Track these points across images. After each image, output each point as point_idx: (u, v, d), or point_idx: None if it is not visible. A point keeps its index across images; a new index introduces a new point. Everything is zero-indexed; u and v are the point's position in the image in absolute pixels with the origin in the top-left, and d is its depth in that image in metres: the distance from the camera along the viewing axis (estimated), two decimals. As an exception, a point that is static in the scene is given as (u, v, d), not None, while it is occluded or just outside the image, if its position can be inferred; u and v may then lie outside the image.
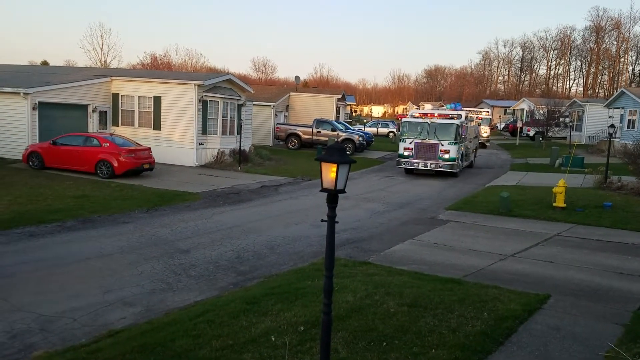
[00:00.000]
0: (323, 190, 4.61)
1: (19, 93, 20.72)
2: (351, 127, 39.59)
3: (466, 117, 25.07)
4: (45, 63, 57.04)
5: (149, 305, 7.78)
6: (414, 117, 24.44)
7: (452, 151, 23.10)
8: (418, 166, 23.50)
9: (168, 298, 8.09)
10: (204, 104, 23.71)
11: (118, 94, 24.73)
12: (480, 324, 7.03)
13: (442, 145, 23.06)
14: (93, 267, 9.42)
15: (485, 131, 41.20)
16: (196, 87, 23.24)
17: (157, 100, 24.01)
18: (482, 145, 39.21)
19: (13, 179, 17.32)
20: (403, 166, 24.01)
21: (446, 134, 23.17)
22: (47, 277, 8.77)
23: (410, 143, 23.52)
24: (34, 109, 20.94)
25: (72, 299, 7.80)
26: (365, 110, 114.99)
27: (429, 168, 23.47)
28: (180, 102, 23.66)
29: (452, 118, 23.64)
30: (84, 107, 23.67)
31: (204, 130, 24.01)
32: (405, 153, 23.66)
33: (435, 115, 23.99)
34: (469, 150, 26.99)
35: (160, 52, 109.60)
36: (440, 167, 23.26)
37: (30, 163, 19.53)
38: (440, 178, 24.20)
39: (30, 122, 20.92)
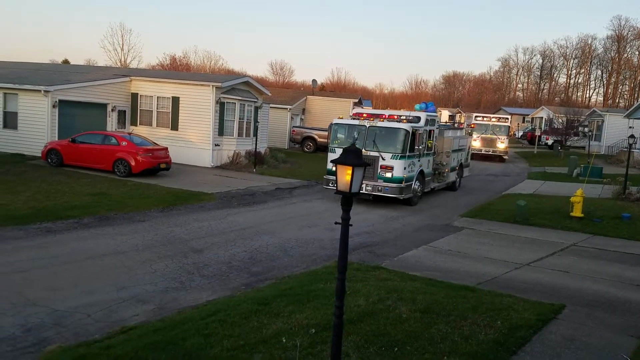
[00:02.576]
0: (338, 192, 4.61)
1: (39, 91, 21.04)
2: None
3: (432, 121, 18.62)
4: (66, 62, 57.86)
5: (162, 303, 7.83)
6: (353, 117, 18.38)
7: (397, 168, 16.40)
8: None
9: (181, 297, 8.13)
10: (221, 106, 23.85)
11: (137, 93, 24.98)
12: (493, 333, 6.96)
13: (383, 159, 16.44)
14: (108, 264, 9.51)
15: (501, 141, 36.08)
16: (214, 88, 23.39)
17: (175, 100, 24.21)
18: (500, 159, 35.86)
19: (32, 175, 17.57)
20: (332, 186, 16.72)
21: (390, 143, 16.70)
22: (63, 273, 8.87)
23: None
24: (54, 106, 21.24)
25: (86, 295, 7.87)
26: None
27: (364, 191, 16.57)
28: (198, 103, 23.83)
29: (402, 121, 17.35)
30: (103, 106, 23.95)
31: (221, 131, 24.15)
32: (334, 168, 17.32)
33: (384, 116, 17.58)
34: (442, 168, 20.48)
35: (179, 53, 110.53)
36: (379, 191, 16.54)
37: (49, 160, 19.79)
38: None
39: (50, 120, 21.22)
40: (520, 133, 63.98)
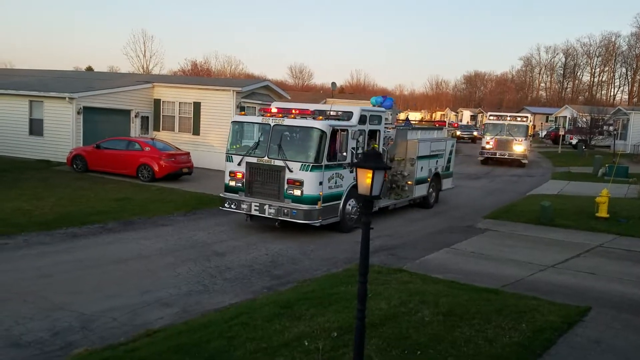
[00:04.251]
0: (359, 195, 4.62)
1: (64, 98, 21.48)
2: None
3: (375, 118, 14.14)
4: (89, 69, 59.00)
5: (186, 306, 7.91)
6: (261, 113, 13.74)
7: (309, 183, 11.97)
8: (249, 209, 12.56)
9: (204, 300, 8.21)
10: (241, 110, 23.99)
11: (159, 99, 25.32)
12: (517, 335, 6.88)
13: (290, 170, 12.08)
14: (132, 268, 9.65)
15: (518, 142, 31.31)
16: (234, 93, 23.59)
17: (197, 106, 24.47)
18: (518, 163, 31.59)
19: (57, 181, 17.92)
20: (227, 207, 13.01)
21: (300, 148, 12.38)
22: (88, 277, 9.03)
23: (240, 164, 12.73)
24: (78, 113, 21.66)
25: (111, 299, 8.00)
26: (401, 116, 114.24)
27: (266, 215, 12.38)
28: (219, 108, 24.05)
29: (316, 118, 12.66)
30: (126, 112, 24.33)
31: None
32: (232, 183, 12.90)
33: (294, 111, 12.97)
34: (403, 180, 15.96)
35: (200, 58, 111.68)
36: (285, 215, 12.09)
37: (74, 166, 20.17)
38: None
39: (75, 126, 21.64)
40: (544, 132, 63.09)
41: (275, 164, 12.27)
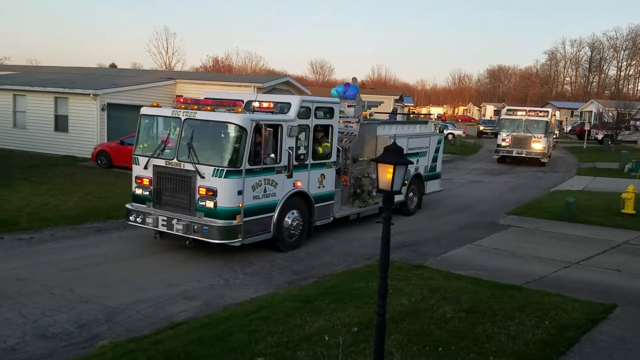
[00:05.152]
0: (379, 191, 4.62)
1: (89, 94, 21.83)
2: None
3: (325, 111, 11.59)
4: (113, 66, 59.81)
5: (208, 300, 8.01)
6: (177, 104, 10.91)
7: (225, 193, 9.54)
8: (156, 224, 10.11)
9: (226, 294, 8.30)
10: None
11: (182, 96, 25.52)
12: (541, 333, 6.81)
13: (202, 176, 9.64)
14: (156, 262, 9.79)
15: (537, 140, 28.73)
16: (255, 89, 23.69)
17: (218, 101, 24.59)
18: (538, 163, 29.31)
19: (83, 176, 18.24)
20: (133, 220, 10.58)
21: (214, 150, 9.95)
22: (113, 271, 9.18)
23: (147, 168, 10.40)
24: (102, 109, 21.99)
25: (136, 292, 8.13)
26: (423, 111, 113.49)
27: (174, 231, 9.90)
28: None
29: (233, 110, 10.30)
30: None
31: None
32: (139, 191, 10.60)
33: (208, 102, 10.46)
34: (369, 184, 13.14)
35: (221, 55, 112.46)
36: (194, 232, 9.65)
37: (99, 162, 20.49)
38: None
39: (100, 123, 21.98)
40: (569, 127, 62.09)
41: (185, 168, 9.79)
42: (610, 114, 43.11)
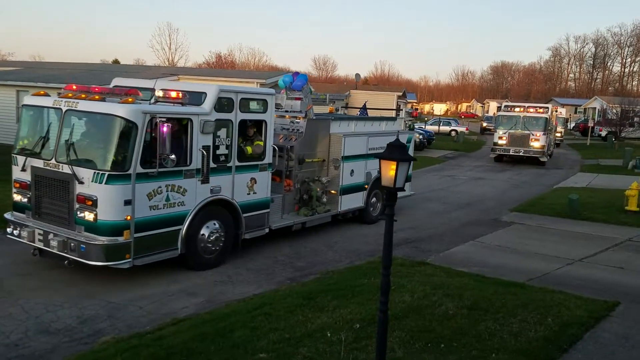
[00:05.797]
0: (382, 187, 4.60)
1: (92, 91, 21.79)
2: (411, 125, 39.00)
3: (254, 103, 9.93)
4: (116, 62, 59.80)
5: (211, 296, 8.01)
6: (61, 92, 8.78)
7: (106, 202, 7.72)
8: (32, 239, 8.36)
9: (228, 290, 8.30)
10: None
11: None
12: (543, 330, 6.80)
13: (81, 181, 7.81)
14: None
15: (536, 138, 27.27)
16: (258, 85, 23.67)
17: (221, 97, 24.59)
18: (538, 162, 27.86)
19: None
20: (10, 233, 8.83)
21: (96, 151, 8.21)
22: (117, 267, 9.17)
23: (24, 168, 8.59)
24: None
25: (139, 288, 8.14)
26: (426, 108, 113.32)
27: (49, 247, 8.12)
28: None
29: (127, 101, 8.07)
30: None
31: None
32: (18, 198, 8.80)
33: (92, 90, 8.64)
34: (316, 188, 11.67)
35: (224, 51, 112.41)
36: (71, 250, 7.89)
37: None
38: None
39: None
40: (573, 124, 61.95)
41: (63, 170, 7.99)
42: (614, 111, 42.97)
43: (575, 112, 71.67)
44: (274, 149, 10.29)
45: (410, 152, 14.02)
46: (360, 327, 6.57)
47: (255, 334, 6.36)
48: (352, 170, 12.29)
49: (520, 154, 27.81)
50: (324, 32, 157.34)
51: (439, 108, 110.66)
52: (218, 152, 9.04)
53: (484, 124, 55.16)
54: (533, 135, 27.37)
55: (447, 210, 15.75)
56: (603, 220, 14.40)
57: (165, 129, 7.97)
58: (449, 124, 52.92)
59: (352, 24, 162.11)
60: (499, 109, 31.58)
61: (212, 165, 8.88)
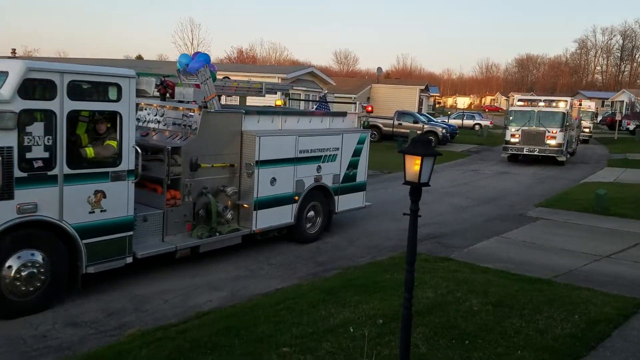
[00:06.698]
0: (406, 183, 4.56)
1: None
2: (434, 119, 38.76)
3: (98, 91, 7.34)
4: (139, 57, 60.51)
5: (234, 290, 8.06)
6: None
7: None
8: None
9: (251, 284, 8.34)
10: (286, 97, 24.13)
11: (207, 87, 25.73)
12: (570, 327, 6.70)
13: None
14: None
15: (552, 135, 24.58)
16: (280, 80, 23.72)
17: (243, 92, 24.69)
18: (555, 162, 25.29)
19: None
20: None
21: None
22: (141, 260, 9.28)
23: None
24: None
25: (163, 281, 8.23)
26: (449, 101, 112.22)
27: None
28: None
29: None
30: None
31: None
32: None
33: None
34: (225, 201, 9.29)
35: (246, 46, 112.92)
36: None
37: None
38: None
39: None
40: (600, 118, 60.72)
41: None
42: (643, 104, 41.93)
43: (602, 106, 70.25)
44: (136, 151, 7.64)
45: (365, 152, 11.75)
46: (383, 323, 6.54)
47: (278, 328, 6.39)
48: (274, 179, 9.69)
49: (535, 152, 25.15)
50: (346, 26, 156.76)
51: (463, 101, 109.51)
52: (30, 155, 6.54)
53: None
54: (549, 132, 24.66)
55: (471, 205, 15.58)
56: (631, 215, 14.10)
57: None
58: (472, 117, 52.34)
59: (373, 17, 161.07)
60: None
61: (18, 174, 6.41)
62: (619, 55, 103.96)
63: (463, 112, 56.85)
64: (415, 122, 33.26)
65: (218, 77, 10.51)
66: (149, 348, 5.84)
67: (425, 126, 32.90)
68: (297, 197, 10.27)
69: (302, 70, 26.23)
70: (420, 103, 42.92)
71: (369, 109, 12.86)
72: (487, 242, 11.33)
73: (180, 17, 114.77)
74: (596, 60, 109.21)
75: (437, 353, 5.91)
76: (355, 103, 12.87)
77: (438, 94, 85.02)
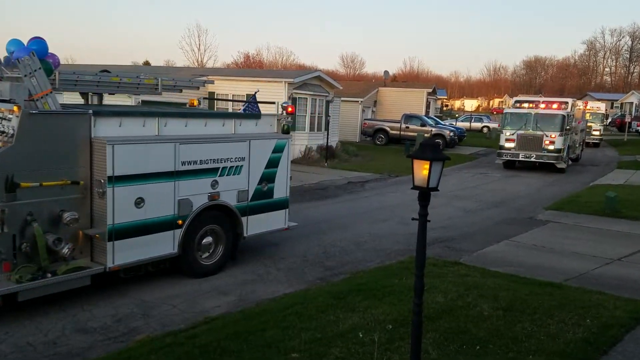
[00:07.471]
0: (414, 187, 4.52)
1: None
2: (441, 122, 38.64)
3: None
4: (146, 63, 60.77)
5: (242, 295, 8.04)
6: None
7: None
8: None
9: (259, 289, 8.32)
10: (293, 101, 24.15)
11: (214, 92, 25.78)
12: (582, 331, 6.62)
13: None
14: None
15: (551, 140, 22.49)
16: (286, 84, 23.73)
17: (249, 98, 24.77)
18: (555, 169, 23.22)
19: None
20: None
21: None
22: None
23: None
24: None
25: (171, 286, 8.22)
26: (457, 104, 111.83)
27: None
28: (271, 99, 24.23)
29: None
30: (183, 105, 24.91)
31: (293, 126, 24.43)
32: None
33: None
34: (58, 231, 6.92)
35: (252, 51, 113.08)
36: None
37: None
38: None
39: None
40: (609, 120, 60.31)
41: None
42: (653, 105, 41.56)
43: (612, 107, 69.75)
44: None
45: (285, 162, 9.77)
46: (392, 328, 6.50)
47: (287, 333, 6.36)
48: (140, 199, 7.54)
49: (532, 159, 22.98)
50: (352, 30, 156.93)
51: (470, 104, 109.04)
52: None
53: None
54: (547, 136, 22.55)
55: (480, 209, 15.49)
56: (642, 218, 13.97)
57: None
58: (480, 120, 52.12)
59: (380, 21, 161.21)
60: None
61: None
62: (628, 56, 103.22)
63: (471, 115, 56.64)
64: (423, 125, 33.21)
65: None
66: (158, 354, 5.83)
67: (433, 129, 32.84)
68: (180, 222, 8.14)
69: (308, 74, 26.19)
70: (428, 106, 42.79)
71: (290, 109, 10.23)
72: (497, 246, 11.25)
73: (188, 22, 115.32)
74: (605, 61, 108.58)
75: (447, 358, 5.85)
76: (274, 102, 10.90)
77: (445, 97, 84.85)
